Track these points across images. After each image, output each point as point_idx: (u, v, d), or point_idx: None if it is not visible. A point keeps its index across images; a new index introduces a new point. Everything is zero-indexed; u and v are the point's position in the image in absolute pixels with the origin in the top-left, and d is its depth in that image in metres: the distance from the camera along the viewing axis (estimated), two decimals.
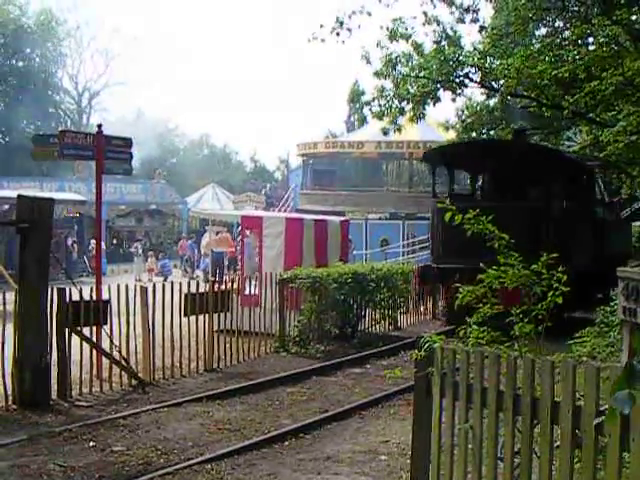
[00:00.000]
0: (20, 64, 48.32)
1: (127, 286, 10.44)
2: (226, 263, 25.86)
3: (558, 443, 4.10)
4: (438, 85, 18.43)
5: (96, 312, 9.83)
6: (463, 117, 22.03)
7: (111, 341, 10.02)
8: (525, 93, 18.15)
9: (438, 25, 18.70)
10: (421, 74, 18.30)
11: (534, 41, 18.50)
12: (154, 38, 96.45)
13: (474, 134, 21.17)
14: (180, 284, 11.21)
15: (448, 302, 15.15)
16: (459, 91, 19.21)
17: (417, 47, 18.81)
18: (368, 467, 6.93)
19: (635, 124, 12.55)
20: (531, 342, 4.93)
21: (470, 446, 4.61)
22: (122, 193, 37.64)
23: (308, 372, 11.27)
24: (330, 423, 8.48)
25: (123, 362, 10.12)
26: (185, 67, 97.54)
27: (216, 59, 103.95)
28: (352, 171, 37.42)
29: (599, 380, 3.84)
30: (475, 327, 5.06)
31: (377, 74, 18.87)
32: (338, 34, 17.43)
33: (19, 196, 9.37)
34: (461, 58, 18.09)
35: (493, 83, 18.91)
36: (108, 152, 11.16)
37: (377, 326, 15.42)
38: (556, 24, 18.12)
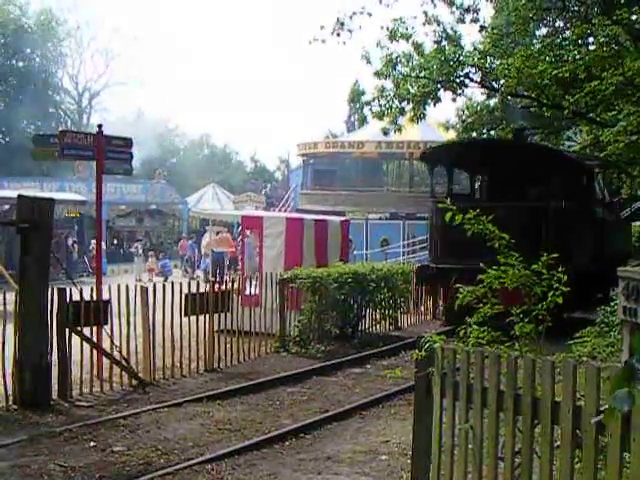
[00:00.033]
0: (20, 64, 48.34)
1: (127, 286, 10.45)
2: (227, 263, 25.87)
3: (558, 443, 4.10)
4: (438, 85, 18.43)
5: (96, 312, 9.83)
6: (463, 117, 22.03)
7: (111, 341, 10.02)
8: (525, 93, 18.15)
9: (438, 25, 18.71)
10: (421, 74, 18.31)
11: (534, 41, 18.51)
12: (154, 38, 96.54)
13: (474, 134, 21.17)
14: (180, 284, 11.21)
15: (447, 302, 15.09)
16: (459, 91, 19.22)
17: (417, 47, 18.81)
18: (369, 467, 6.93)
19: (635, 124, 12.55)
20: (531, 342, 4.93)
21: (470, 446, 4.61)
22: (122, 193, 37.66)
23: (308, 372, 11.27)
24: (330, 423, 8.48)
25: (123, 362, 10.12)
26: (185, 67, 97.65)
27: (216, 59, 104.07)
28: (352, 171, 37.44)
29: (600, 380, 3.84)
30: (475, 327, 5.06)
31: (377, 74, 18.88)
32: (339, 35, 17.46)
33: (19, 196, 9.37)
34: (461, 58, 18.09)
35: (493, 83, 18.91)
36: (108, 152, 11.16)
37: (377, 326, 15.42)
38: (556, 24, 18.14)
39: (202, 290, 11.87)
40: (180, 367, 10.97)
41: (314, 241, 15.19)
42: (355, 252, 26.19)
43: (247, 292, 13.94)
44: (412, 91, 18.47)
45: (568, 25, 17.37)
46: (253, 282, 14.25)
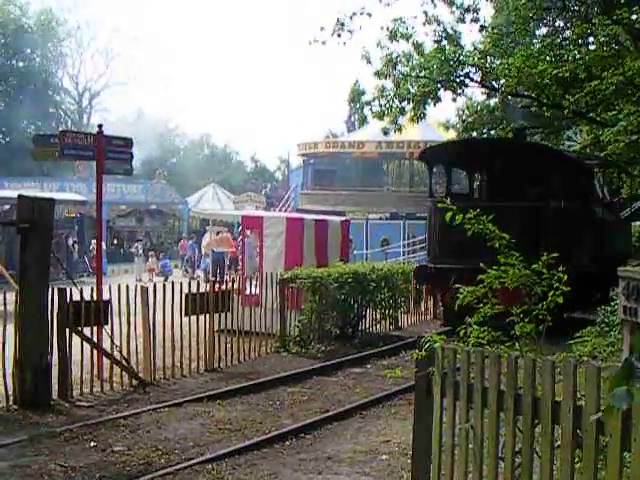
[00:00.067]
0: (20, 64, 48.36)
1: (128, 286, 10.45)
2: (227, 263, 25.87)
3: (559, 443, 4.10)
4: (438, 85, 18.42)
5: (97, 312, 9.83)
6: (464, 117, 22.02)
7: (112, 341, 10.02)
8: (525, 93, 18.14)
9: (438, 25, 18.69)
10: (421, 74, 18.30)
11: (535, 41, 18.50)
12: (154, 38, 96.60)
13: (475, 134, 21.16)
14: (181, 284, 11.21)
15: (445, 302, 15.00)
16: (459, 91, 19.21)
17: (417, 47, 18.80)
18: (369, 467, 6.93)
19: (635, 124, 12.53)
20: (532, 342, 4.93)
21: (471, 446, 4.61)
22: (123, 193, 37.68)
23: (309, 372, 11.27)
24: (331, 423, 8.48)
25: (124, 362, 10.12)
26: (186, 67, 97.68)
27: (216, 59, 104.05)
28: (353, 171, 37.46)
29: (600, 380, 3.84)
30: (475, 327, 5.05)
31: (377, 74, 18.87)
32: (339, 35, 17.45)
33: (20, 196, 9.37)
34: (461, 58, 18.08)
35: (494, 83, 18.89)
36: (108, 152, 11.16)
37: (378, 326, 15.41)
38: (556, 24, 18.13)
39: (202, 290, 11.87)
40: (180, 367, 10.97)
41: (314, 241, 15.20)
42: (355, 252, 26.18)
43: (247, 292, 13.95)
44: (412, 91, 18.46)
45: (568, 25, 17.36)
46: (253, 282, 14.26)
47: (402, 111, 19.19)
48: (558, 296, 4.91)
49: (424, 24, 18.75)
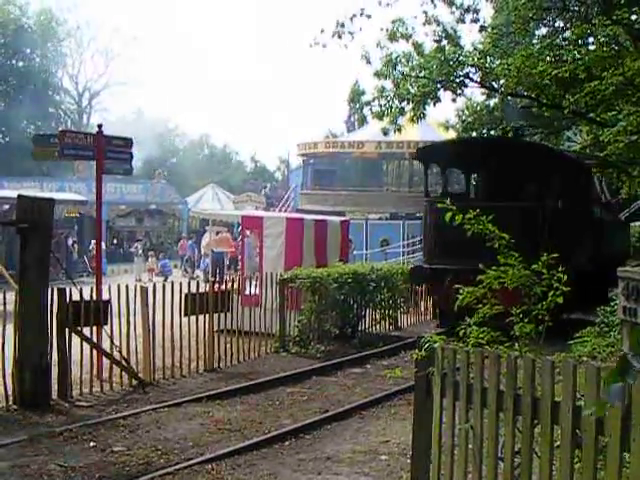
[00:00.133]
0: (20, 64, 48.35)
1: (127, 286, 10.45)
2: (227, 263, 25.88)
3: (558, 443, 4.10)
4: (438, 85, 18.39)
5: (96, 312, 9.83)
6: (463, 117, 22.00)
7: (111, 341, 10.02)
8: (525, 93, 18.12)
9: (438, 25, 18.67)
10: (421, 74, 18.28)
11: (534, 41, 18.48)
12: (154, 38, 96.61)
13: (474, 134, 21.13)
14: (180, 284, 11.21)
15: (440, 303, 14.86)
16: (459, 91, 19.18)
17: (417, 47, 18.78)
18: (368, 467, 6.93)
19: (635, 124, 12.52)
20: (531, 342, 4.93)
21: (470, 446, 4.61)
22: (122, 193, 37.67)
23: (308, 372, 11.27)
24: (330, 423, 8.48)
25: (123, 362, 10.12)
26: (185, 67, 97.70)
27: (216, 59, 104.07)
28: (352, 171, 37.46)
29: (599, 380, 3.84)
30: (475, 327, 5.05)
31: (377, 74, 18.85)
32: (340, 37, 17.43)
33: (19, 196, 9.37)
34: (461, 58, 18.05)
35: (493, 83, 18.88)
36: (108, 152, 11.16)
37: (377, 326, 15.41)
38: (556, 24, 18.11)
39: (202, 290, 11.87)
40: (180, 367, 10.96)
41: (314, 241, 15.20)
42: (355, 252, 26.18)
43: (247, 292, 13.95)
44: (412, 91, 18.43)
45: (568, 25, 17.34)
46: (253, 282, 14.26)
47: (402, 111, 19.16)
48: (558, 296, 4.91)
49: (424, 24, 18.73)
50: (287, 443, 7.70)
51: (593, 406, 3.73)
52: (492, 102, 20.87)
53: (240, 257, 18.52)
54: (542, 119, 19.91)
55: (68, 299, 9.46)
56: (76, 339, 9.63)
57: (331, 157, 36.81)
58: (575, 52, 15.95)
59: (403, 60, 18.69)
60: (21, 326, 8.88)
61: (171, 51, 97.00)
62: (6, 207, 24.80)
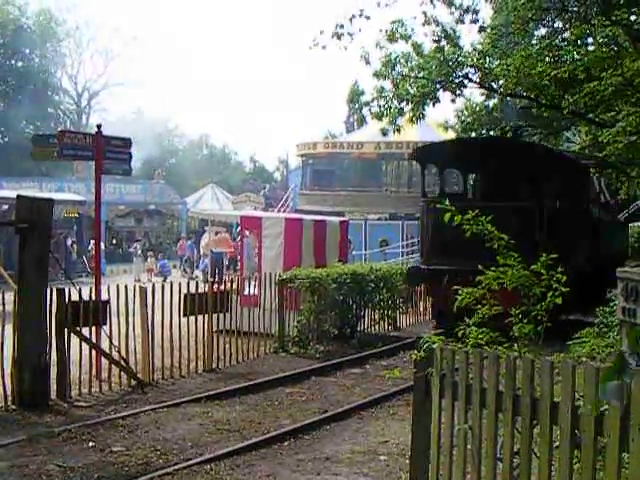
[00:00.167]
0: (19, 64, 48.33)
1: (126, 286, 10.45)
2: (226, 263, 25.88)
3: (557, 443, 4.10)
4: (437, 86, 18.40)
5: (95, 312, 9.83)
6: (462, 118, 22.01)
7: (110, 341, 10.02)
8: (524, 93, 18.13)
9: (437, 25, 18.67)
10: (420, 75, 18.29)
11: (534, 41, 18.48)
12: (154, 38, 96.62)
13: (473, 134, 21.14)
14: (179, 284, 11.21)
15: (439, 304, 14.78)
16: (458, 92, 19.18)
17: (416, 47, 18.79)
18: (367, 467, 6.94)
19: (634, 125, 12.52)
20: (530, 343, 4.93)
21: (469, 446, 4.61)
22: (121, 193, 37.64)
23: (307, 372, 11.27)
24: (329, 423, 8.48)
25: (122, 362, 10.12)
26: (185, 67, 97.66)
27: (216, 59, 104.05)
28: (351, 171, 37.47)
29: (599, 381, 3.84)
30: (474, 328, 5.05)
31: (376, 75, 18.86)
32: (339, 38, 17.42)
33: (18, 196, 9.37)
34: (460, 58, 18.06)
35: (492, 84, 18.89)
36: (107, 152, 11.15)
37: (376, 326, 15.42)
38: (556, 24, 18.11)
39: (201, 290, 11.87)
40: (179, 367, 10.96)
41: (313, 241, 15.20)
42: (354, 252, 26.19)
43: (246, 292, 13.94)
44: (411, 91, 18.44)
45: (567, 26, 17.34)
46: (252, 282, 14.26)
47: (401, 112, 19.17)
48: (557, 297, 4.91)
49: (423, 25, 18.73)
50: (286, 443, 7.70)
51: (592, 408, 3.73)
52: (491, 103, 20.89)
53: (239, 257, 18.53)
54: (541, 120, 19.92)
55: (67, 299, 9.46)
56: (75, 339, 9.62)
57: (330, 157, 36.82)
58: (574, 53, 15.97)
59: (402, 60, 18.70)
60: (20, 326, 8.87)
61: (171, 51, 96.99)
62: (5, 207, 24.81)
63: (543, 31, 19.04)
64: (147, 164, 43.19)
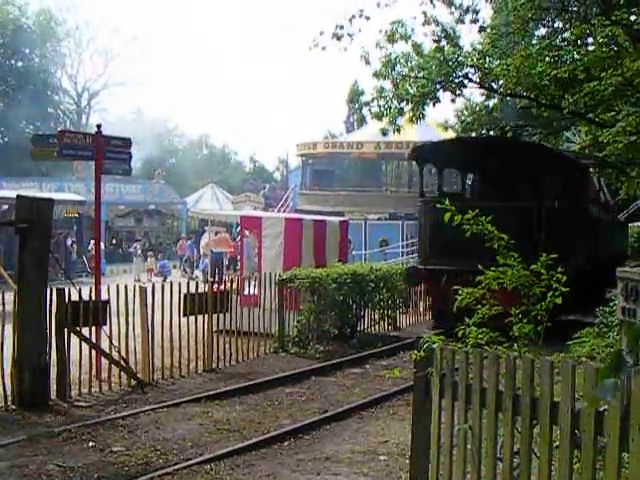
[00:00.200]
0: (19, 64, 48.35)
1: (126, 286, 10.44)
2: (225, 263, 25.88)
3: (557, 443, 4.10)
4: (437, 86, 18.40)
5: (95, 312, 9.82)
6: (462, 118, 22.00)
7: (110, 341, 10.01)
8: (524, 93, 18.12)
9: (437, 25, 18.66)
10: (420, 74, 18.28)
11: (534, 41, 18.48)
12: (154, 38, 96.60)
13: (473, 134, 21.13)
14: (179, 284, 11.20)
15: (437, 304, 14.76)
16: (458, 92, 19.18)
17: (416, 47, 18.78)
18: (367, 467, 6.94)
19: (634, 124, 12.52)
20: (530, 343, 4.93)
21: (469, 446, 4.61)
22: (121, 193, 37.65)
23: (307, 372, 11.27)
24: (329, 423, 8.48)
25: (122, 362, 10.12)
26: (185, 67, 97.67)
27: (216, 59, 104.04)
28: (351, 171, 37.49)
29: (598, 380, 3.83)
30: (474, 328, 5.05)
31: (376, 75, 18.85)
32: (339, 39, 17.42)
33: (18, 196, 9.37)
34: (460, 58, 18.05)
35: (492, 84, 18.88)
36: (107, 152, 11.15)
37: (376, 326, 15.42)
38: (555, 24, 18.11)
39: (201, 290, 11.86)
40: (179, 367, 10.96)
41: (313, 241, 15.20)
42: (354, 252, 26.19)
43: (246, 292, 13.94)
44: (411, 91, 18.44)
45: (567, 26, 17.33)
46: (252, 282, 14.25)
47: (401, 112, 19.16)
48: (557, 297, 4.91)
49: (423, 25, 18.72)
50: (286, 443, 7.70)
51: (597, 412, 3.73)
52: (491, 103, 20.87)
53: (239, 257, 18.53)
54: (541, 119, 19.91)
55: (67, 299, 9.46)
56: (75, 339, 9.62)
57: (330, 157, 36.82)
58: (574, 52, 15.97)
59: (402, 61, 18.69)
60: (20, 326, 8.87)
61: (170, 51, 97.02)
62: (5, 207, 24.80)
63: (543, 31, 19.05)
64: (147, 164, 43.20)
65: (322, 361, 12.19)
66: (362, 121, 23.68)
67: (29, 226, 8.87)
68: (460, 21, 18.75)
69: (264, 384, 10.37)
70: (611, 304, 10.55)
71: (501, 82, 17.66)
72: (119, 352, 10.07)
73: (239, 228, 19.84)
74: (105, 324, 10.09)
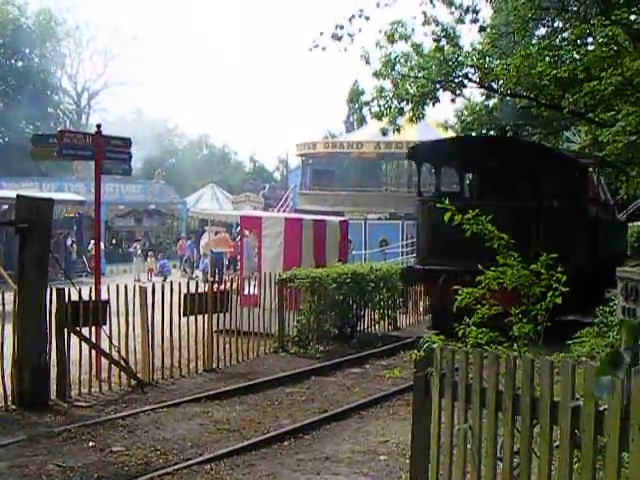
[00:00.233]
0: (19, 64, 48.36)
1: (126, 286, 10.44)
2: (225, 263, 25.88)
3: (557, 443, 4.10)
4: (437, 85, 18.41)
5: (95, 312, 9.82)
6: (462, 117, 22.01)
7: (110, 341, 10.01)
8: (524, 93, 18.13)
9: (437, 25, 18.67)
10: (420, 74, 18.29)
11: (533, 41, 18.48)
12: (154, 38, 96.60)
13: (473, 134, 21.13)
14: (179, 284, 11.20)
15: (434, 304, 14.73)
16: (458, 91, 19.19)
17: (416, 47, 18.78)
18: (367, 467, 6.94)
19: (634, 124, 12.53)
20: (530, 342, 4.93)
21: (469, 446, 4.61)
22: (121, 193, 37.65)
23: (307, 372, 11.27)
24: (329, 423, 8.48)
25: (122, 362, 10.12)
26: (185, 67, 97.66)
27: (216, 59, 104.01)
28: (351, 171, 37.47)
29: None
30: (474, 328, 5.05)
31: (376, 74, 18.86)
32: (339, 39, 17.43)
33: (18, 196, 9.36)
34: (460, 58, 18.06)
35: (492, 83, 18.88)
36: (107, 152, 11.14)
37: (376, 326, 15.41)
38: (555, 24, 18.12)
39: (201, 290, 11.86)
40: (179, 367, 10.95)
41: (313, 241, 15.19)
42: (354, 252, 26.18)
43: (246, 292, 13.94)
44: (411, 91, 18.45)
45: (567, 25, 17.34)
46: (252, 282, 14.25)
47: (401, 111, 19.17)
48: (557, 297, 4.91)
49: (423, 24, 18.73)
50: (286, 443, 7.70)
51: (597, 411, 3.73)
52: (491, 102, 20.88)
53: (239, 257, 18.52)
54: (541, 119, 19.93)
55: (67, 299, 9.45)
56: (75, 339, 9.62)
57: (330, 157, 36.82)
58: (574, 52, 15.98)
59: (402, 60, 18.70)
60: (20, 326, 8.87)
61: (170, 51, 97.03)
62: (5, 207, 24.80)
63: (543, 31, 19.07)
64: (147, 164, 43.20)
65: (322, 361, 12.19)
66: (362, 121, 23.74)
67: (29, 226, 8.87)
68: (460, 21, 18.75)
69: (264, 384, 10.37)
70: (611, 304, 10.55)
71: (501, 82, 17.66)
72: (119, 352, 10.06)
73: (239, 228, 19.84)
74: (105, 324, 10.08)
